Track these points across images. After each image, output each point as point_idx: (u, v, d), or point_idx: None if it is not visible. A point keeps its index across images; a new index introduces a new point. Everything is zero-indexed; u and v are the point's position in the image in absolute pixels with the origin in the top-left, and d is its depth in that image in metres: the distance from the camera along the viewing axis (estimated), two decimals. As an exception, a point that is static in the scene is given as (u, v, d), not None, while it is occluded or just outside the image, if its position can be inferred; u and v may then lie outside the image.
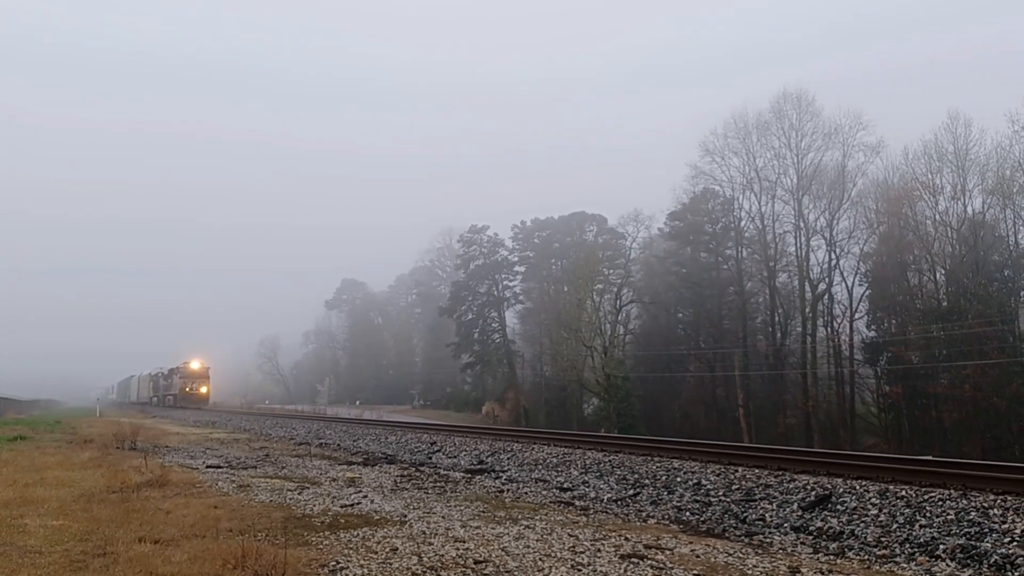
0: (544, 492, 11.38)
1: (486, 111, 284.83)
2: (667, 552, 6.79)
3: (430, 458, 17.21)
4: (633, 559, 6.43)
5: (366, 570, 5.98)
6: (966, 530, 7.55)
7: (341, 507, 9.21)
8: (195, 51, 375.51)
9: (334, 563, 6.18)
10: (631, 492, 11.17)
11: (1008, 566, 6.64)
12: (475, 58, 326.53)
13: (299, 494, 10.35)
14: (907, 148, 49.85)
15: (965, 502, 8.22)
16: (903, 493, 8.86)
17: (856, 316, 52.29)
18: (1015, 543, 7.05)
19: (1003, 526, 7.43)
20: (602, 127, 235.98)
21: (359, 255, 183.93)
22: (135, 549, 6.55)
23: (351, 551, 6.66)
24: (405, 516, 8.52)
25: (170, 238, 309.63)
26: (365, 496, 10.19)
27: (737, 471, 11.45)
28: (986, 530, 7.44)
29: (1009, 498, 8.20)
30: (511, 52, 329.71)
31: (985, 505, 8.03)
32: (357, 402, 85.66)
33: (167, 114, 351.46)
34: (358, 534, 7.44)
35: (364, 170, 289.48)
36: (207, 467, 14.28)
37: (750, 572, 6.11)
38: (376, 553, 6.58)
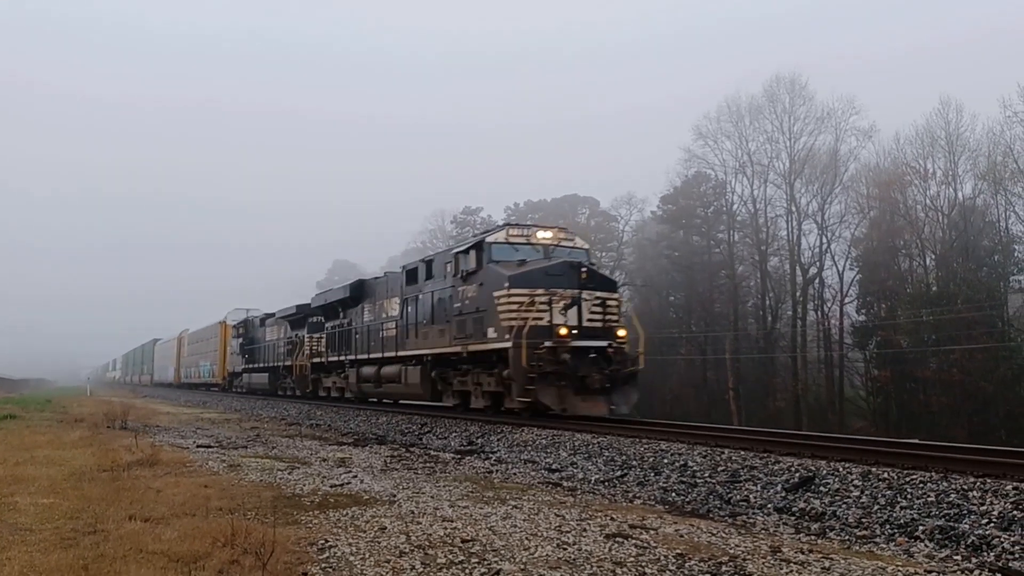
0: (533, 473, 11.48)
1: (478, 87, 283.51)
2: (652, 532, 6.89)
3: (420, 439, 17.31)
4: (618, 538, 6.53)
5: (355, 548, 6.06)
6: (945, 512, 7.67)
7: (331, 487, 9.28)
8: (188, 28, 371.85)
9: (323, 541, 6.25)
10: (618, 473, 11.28)
11: (984, 547, 6.76)
12: (466, 31, 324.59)
13: (289, 474, 10.43)
14: (898, 133, 50.04)
15: (946, 484, 8.33)
16: (885, 475, 8.97)
17: (846, 300, 52.63)
18: (992, 524, 7.18)
19: (981, 508, 7.55)
20: (597, 103, 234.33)
21: (350, 234, 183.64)
22: (125, 527, 6.62)
23: (340, 530, 6.74)
24: (394, 496, 8.60)
25: (159, 214, 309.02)
26: (355, 476, 10.27)
27: (723, 453, 11.55)
28: (965, 512, 7.56)
29: (988, 480, 8.30)
30: (502, 25, 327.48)
31: (965, 487, 8.14)
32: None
33: (159, 89, 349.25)
34: (347, 513, 7.52)
35: (355, 144, 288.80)
36: (197, 447, 14.34)
37: (732, 551, 6.21)
38: (365, 532, 6.66)
